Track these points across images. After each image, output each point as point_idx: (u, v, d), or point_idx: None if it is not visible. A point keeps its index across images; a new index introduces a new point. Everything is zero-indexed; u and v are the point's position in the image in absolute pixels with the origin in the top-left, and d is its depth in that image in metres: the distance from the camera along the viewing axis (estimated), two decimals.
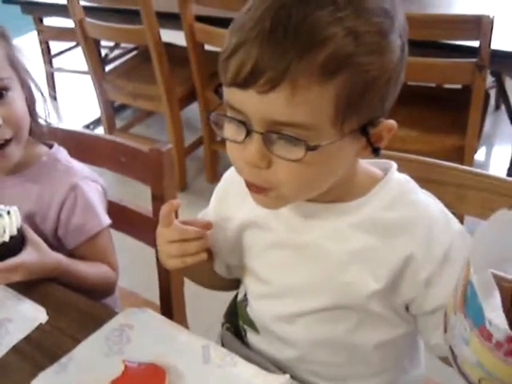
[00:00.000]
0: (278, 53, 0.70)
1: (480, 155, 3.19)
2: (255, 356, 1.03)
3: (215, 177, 3.06)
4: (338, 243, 0.89)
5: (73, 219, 1.26)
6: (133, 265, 1.44)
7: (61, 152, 1.33)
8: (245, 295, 1.06)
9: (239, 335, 1.09)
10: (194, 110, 3.08)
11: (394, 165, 0.92)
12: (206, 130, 2.88)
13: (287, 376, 0.91)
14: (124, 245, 1.49)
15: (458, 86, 2.75)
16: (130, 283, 1.67)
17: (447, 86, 2.87)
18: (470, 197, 1.07)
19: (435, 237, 0.86)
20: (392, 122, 0.81)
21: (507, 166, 2.65)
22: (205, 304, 1.84)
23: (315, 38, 0.70)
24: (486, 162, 3.24)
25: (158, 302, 1.50)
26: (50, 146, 1.33)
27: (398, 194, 0.89)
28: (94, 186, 1.32)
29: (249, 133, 0.76)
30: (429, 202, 0.90)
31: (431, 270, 0.86)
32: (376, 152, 0.82)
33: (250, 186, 0.83)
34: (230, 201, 1.01)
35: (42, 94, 1.29)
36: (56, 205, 1.25)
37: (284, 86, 0.71)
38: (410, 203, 0.88)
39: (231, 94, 0.76)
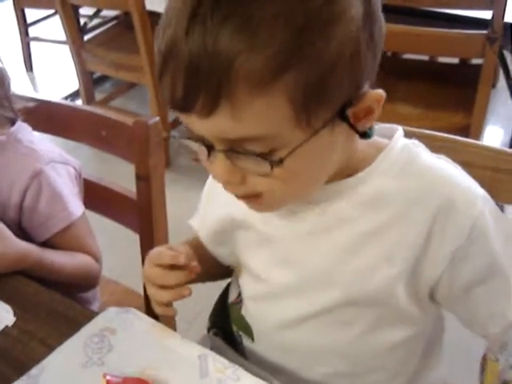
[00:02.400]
0: (204, 75, 0.62)
1: None
2: (253, 367, 0.90)
3: None
4: (344, 227, 0.80)
5: (38, 211, 1.13)
6: (111, 249, 1.34)
7: (23, 130, 1.18)
8: (238, 296, 0.95)
9: (230, 342, 0.99)
10: None
11: (400, 129, 0.83)
12: None
13: None
14: (101, 227, 1.37)
15: (455, 61, 2.65)
16: (108, 269, 1.54)
17: (442, 60, 2.78)
18: (506, 182, 0.94)
19: (457, 204, 0.76)
20: (379, 92, 0.71)
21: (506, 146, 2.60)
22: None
23: (231, 55, 0.61)
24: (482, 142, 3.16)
25: (140, 290, 1.36)
26: (13, 122, 1.17)
27: (406, 160, 0.79)
28: (64, 169, 1.18)
29: (211, 149, 0.70)
30: (444, 166, 0.80)
31: (458, 243, 0.76)
32: (364, 135, 0.74)
33: (238, 197, 0.77)
34: (216, 202, 0.91)
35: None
36: (17, 194, 1.11)
37: (223, 106, 0.63)
38: (422, 169, 0.79)
39: (181, 117, 0.70)
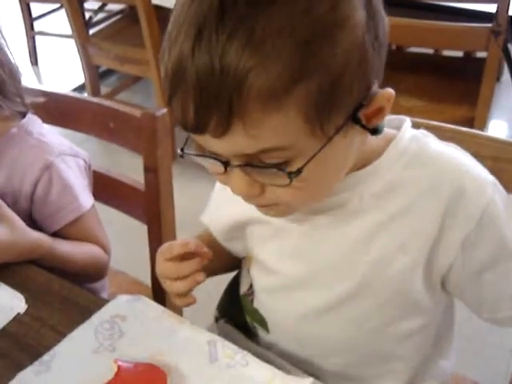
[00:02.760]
0: (214, 96, 0.61)
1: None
2: (266, 353, 0.91)
3: None
4: (357, 219, 0.80)
5: (48, 202, 1.13)
6: (119, 241, 1.34)
7: (33, 122, 1.18)
8: (249, 288, 0.95)
9: (243, 331, 0.99)
10: None
11: (407, 120, 0.83)
12: None
13: (310, 379, 0.78)
14: (109, 218, 1.36)
15: (460, 54, 2.64)
16: (116, 261, 1.55)
17: (447, 53, 2.77)
18: (509, 171, 0.94)
19: (468, 191, 0.76)
20: (389, 91, 0.70)
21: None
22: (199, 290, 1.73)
23: (240, 74, 0.60)
24: None
25: (148, 281, 1.38)
26: (23, 115, 1.17)
27: (416, 150, 0.79)
28: (74, 161, 1.18)
29: (227, 165, 0.69)
30: (454, 154, 0.80)
31: (468, 230, 0.76)
32: (375, 132, 0.73)
33: (258, 206, 0.77)
34: (228, 198, 0.87)
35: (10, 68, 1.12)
36: (28, 185, 1.12)
37: (236, 125, 0.62)
38: (433, 158, 0.79)
39: (195, 137, 0.68)
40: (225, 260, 1.02)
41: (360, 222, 0.79)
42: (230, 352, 0.82)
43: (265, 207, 0.76)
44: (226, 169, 0.69)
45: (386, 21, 0.71)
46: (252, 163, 0.67)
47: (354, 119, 0.68)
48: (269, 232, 0.88)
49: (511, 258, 0.80)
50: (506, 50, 2.82)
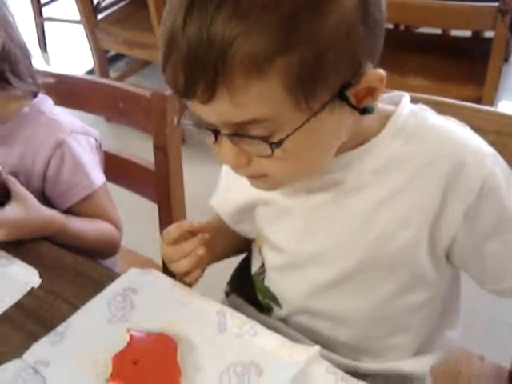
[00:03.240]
0: (201, 64, 0.64)
1: None
2: (275, 323, 0.93)
3: None
4: (359, 195, 0.81)
5: (60, 180, 1.15)
6: (129, 220, 1.36)
7: (45, 102, 1.20)
8: (261, 266, 0.97)
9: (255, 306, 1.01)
10: None
11: (406, 95, 0.83)
12: None
13: (317, 347, 0.80)
14: (120, 199, 1.38)
15: (468, 34, 2.64)
16: (127, 241, 1.57)
17: (455, 33, 2.75)
18: (511, 146, 0.95)
19: (467, 164, 0.77)
20: (379, 71, 0.71)
21: None
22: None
23: (225, 43, 0.63)
24: None
25: (158, 260, 1.37)
26: (35, 95, 1.19)
27: (415, 125, 0.80)
28: (85, 139, 1.20)
29: (217, 134, 0.72)
30: (453, 127, 0.81)
31: (469, 202, 0.77)
32: (365, 112, 0.73)
33: (247, 177, 0.80)
34: (236, 182, 0.89)
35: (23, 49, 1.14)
36: (40, 163, 1.13)
37: (220, 92, 0.65)
38: (431, 132, 0.79)
39: (186, 103, 0.72)
40: (235, 242, 1.04)
41: (361, 198, 0.81)
42: (238, 322, 0.84)
43: (254, 179, 0.79)
44: (216, 138, 0.72)
45: (384, 0, 0.71)
46: (238, 133, 0.70)
47: (341, 97, 0.69)
48: (275, 213, 0.89)
49: None
50: None
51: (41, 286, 0.94)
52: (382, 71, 0.71)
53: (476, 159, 0.77)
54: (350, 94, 0.69)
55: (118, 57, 3.54)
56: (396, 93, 0.84)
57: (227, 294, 1.08)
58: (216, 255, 0.99)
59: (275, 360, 0.78)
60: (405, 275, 0.84)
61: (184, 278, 0.92)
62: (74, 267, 0.98)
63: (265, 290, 0.97)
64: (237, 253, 1.08)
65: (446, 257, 0.84)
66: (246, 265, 1.04)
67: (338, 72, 0.67)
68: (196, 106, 0.69)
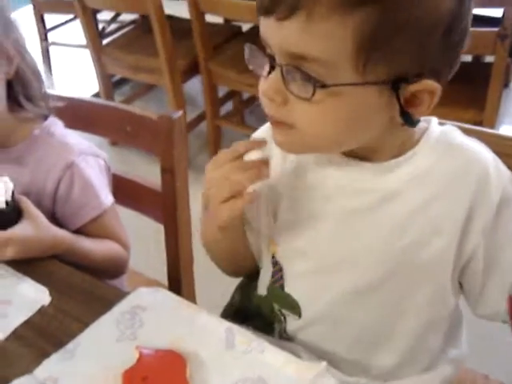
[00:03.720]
0: None
1: None
2: (282, 343, 0.94)
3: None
4: (392, 203, 0.84)
5: (71, 201, 1.17)
6: (136, 242, 1.37)
7: (55, 124, 1.22)
8: (273, 276, 0.97)
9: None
10: (194, 85, 3.03)
11: (434, 117, 0.88)
12: (209, 104, 2.81)
13: (324, 363, 0.81)
14: (125, 220, 1.39)
15: (469, 59, 2.67)
16: (133, 262, 1.58)
17: None
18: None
19: (490, 183, 0.82)
20: (435, 84, 0.73)
21: None
22: (213, 284, 1.76)
23: None
24: None
25: (164, 281, 1.41)
26: (45, 118, 1.22)
27: (446, 142, 0.85)
28: (94, 161, 1.22)
29: (273, 67, 0.75)
30: (478, 148, 0.86)
31: (488, 218, 0.83)
32: (406, 118, 0.76)
33: (270, 118, 0.80)
34: (270, 151, 0.86)
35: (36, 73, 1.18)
36: (51, 184, 1.16)
37: (300, 13, 0.68)
38: (461, 150, 0.85)
39: (261, 25, 0.75)
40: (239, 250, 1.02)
41: (395, 206, 0.84)
42: (246, 339, 0.86)
43: (277, 125, 0.79)
44: (270, 70, 0.75)
45: (469, 33, 0.76)
46: (294, 65, 0.72)
47: (394, 87, 0.72)
48: (303, 216, 0.90)
49: None
50: None
51: (50, 303, 0.95)
52: (437, 85, 0.74)
53: (498, 176, 0.83)
54: (402, 89, 0.73)
55: (122, 81, 3.57)
56: (424, 118, 0.87)
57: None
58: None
59: (283, 376, 0.80)
60: (429, 288, 0.87)
61: (229, 205, 0.81)
62: (83, 286, 0.99)
63: (285, 297, 0.96)
64: (238, 262, 1.06)
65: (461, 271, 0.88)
66: (246, 292, 1.07)
67: (403, 58, 0.71)
68: (269, 25, 0.72)
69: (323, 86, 0.71)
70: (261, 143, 0.82)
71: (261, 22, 0.75)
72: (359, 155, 0.84)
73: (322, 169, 0.87)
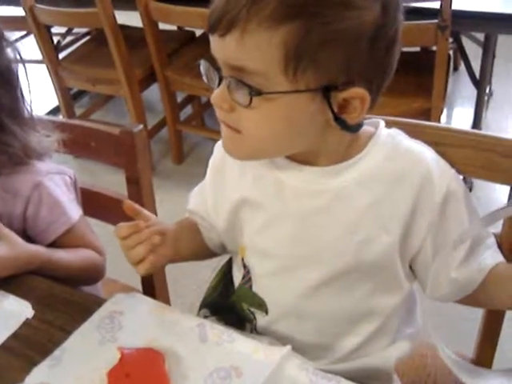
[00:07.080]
0: (233, 5, 0.76)
1: (442, 117, 3.22)
2: (251, 335, 1.02)
3: (181, 157, 3.05)
4: (344, 204, 0.91)
5: (40, 219, 1.22)
6: (107, 251, 1.42)
7: None
8: (243, 278, 1.04)
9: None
10: (153, 92, 3.07)
11: (382, 121, 0.96)
12: (169, 110, 2.86)
13: (289, 347, 0.89)
14: (96, 231, 1.44)
15: (417, 49, 2.75)
16: (107, 270, 1.63)
17: (405, 49, 2.85)
18: (449, 154, 1.06)
19: (432, 182, 0.89)
20: (363, 91, 0.80)
21: (469, 125, 2.69)
22: (185, 287, 1.82)
23: None
24: (448, 122, 3.27)
25: (139, 287, 1.47)
26: None
27: (392, 145, 0.92)
28: (60, 178, 1.27)
29: (221, 80, 0.83)
30: (422, 150, 0.93)
31: (432, 214, 0.90)
32: (341, 123, 0.83)
33: (222, 122, 0.88)
34: (227, 172, 1.02)
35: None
36: (20, 205, 1.20)
37: (235, 29, 0.77)
38: (405, 153, 0.92)
39: (210, 42, 0.83)
40: (196, 248, 1.12)
41: (347, 206, 0.91)
42: (217, 332, 0.93)
43: (228, 128, 0.87)
44: (219, 82, 0.84)
45: (399, 44, 0.84)
46: (234, 76, 0.80)
47: (324, 94, 0.79)
48: (265, 219, 0.97)
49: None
50: (459, 41, 2.96)
51: (34, 316, 1.01)
52: (365, 91, 0.80)
53: (441, 176, 0.90)
54: (333, 96, 0.80)
55: (81, 93, 3.60)
56: (374, 119, 0.96)
57: (205, 317, 1.13)
58: (179, 253, 1.05)
59: (252, 361, 0.88)
60: (383, 277, 0.95)
61: (138, 268, 0.97)
62: (63, 296, 1.05)
63: (252, 296, 1.03)
64: (197, 258, 1.14)
65: (410, 262, 0.96)
66: (224, 289, 1.12)
67: (331, 66, 0.78)
68: (215, 41, 0.81)
69: (259, 93, 0.79)
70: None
71: (210, 38, 0.83)
72: (308, 160, 0.91)
73: (277, 175, 0.95)
